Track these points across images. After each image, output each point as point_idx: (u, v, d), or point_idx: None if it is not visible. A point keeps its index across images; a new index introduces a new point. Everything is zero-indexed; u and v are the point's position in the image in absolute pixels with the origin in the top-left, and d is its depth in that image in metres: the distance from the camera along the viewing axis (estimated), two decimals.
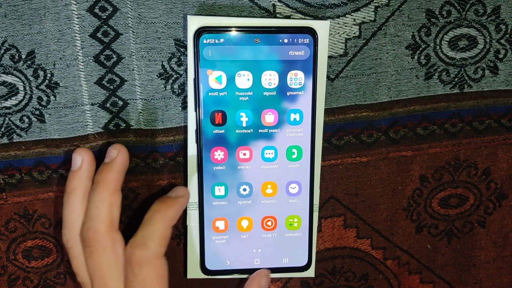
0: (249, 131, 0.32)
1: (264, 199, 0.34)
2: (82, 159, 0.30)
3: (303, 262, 0.35)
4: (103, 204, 0.29)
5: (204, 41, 0.31)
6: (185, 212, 0.34)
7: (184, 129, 0.34)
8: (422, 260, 0.39)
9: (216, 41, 0.31)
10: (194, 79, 0.31)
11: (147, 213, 0.30)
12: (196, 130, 0.32)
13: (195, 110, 0.32)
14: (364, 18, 0.33)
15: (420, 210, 0.38)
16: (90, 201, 0.29)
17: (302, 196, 0.34)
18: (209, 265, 0.34)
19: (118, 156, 0.30)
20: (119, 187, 0.30)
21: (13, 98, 0.32)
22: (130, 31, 0.32)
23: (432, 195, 0.38)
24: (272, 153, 0.33)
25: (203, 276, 0.34)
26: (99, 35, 0.32)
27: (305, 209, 0.34)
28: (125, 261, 0.29)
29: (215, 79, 0.31)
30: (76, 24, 0.31)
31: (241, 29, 0.31)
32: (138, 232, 0.29)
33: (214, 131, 0.32)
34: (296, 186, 0.34)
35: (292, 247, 0.35)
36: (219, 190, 0.33)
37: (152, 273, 0.28)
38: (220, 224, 0.34)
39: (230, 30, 0.31)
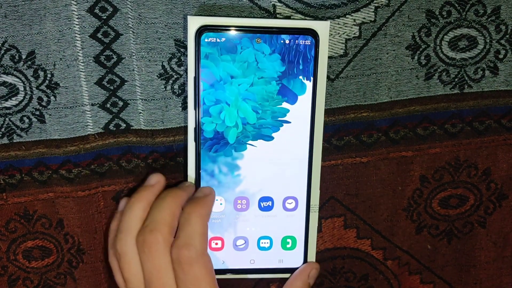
0: (248, 131, 0.32)
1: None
2: (158, 181, 0.31)
3: (298, 262, 0.35)
4: (169, 210, 0.30)
5: (205, 40, 0.31)
6: None
7: (184, 129, 0.34)
8: (422, 261, 0.39)
9: (217, 40, 0.31)
10: (194, 77, 0.31)
11: (182, 216, 0.30)
12: (195, 129, 0.32)
13: (195, 109, 0.32)
14: (364, 18, 0.33)
15: (420, 210, 0.38)
16: (155, 206, 0.30)
17: (300, 197, 0.34)
18: None
19: (190, 186, 0.32)
20: (182, 207, 0.31)
21: (13, 98, 0.32)
22: (130, 32, 0.32)
23: (432, 195, 0.38)
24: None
25: None
26: (99, 35, 0.32)
27: (302, 209, 0.34)
28: (173, 263, 0.29)
29: (215, 77, 0.31)
30: (77, 24, 0.31)
31: (243, 28, 0.31)
32: (179, 234, 0.30)
33: (213, 129, 0.32)
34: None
35: (288, 248, 0.35)
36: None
37: (202, 270, 0.29)
38: (216, 222, 0.34)
39: (231, 29, 0.31)
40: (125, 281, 0.31)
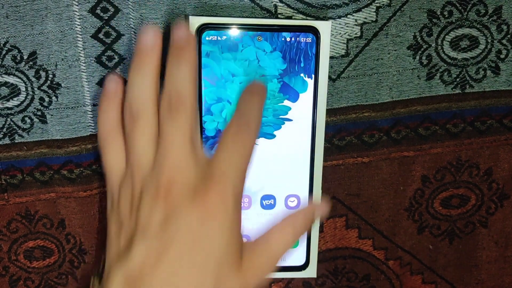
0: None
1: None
2: (154, 39, 0.26)
3: (301, 261, 0.35)
4: (190, 74, 0.25)
5: (206, 38, 0.31)
6: None
7: None
8: (424, 261, 0.39)
9: (218, 38, 0.31)
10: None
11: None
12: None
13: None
14: (365, 18, 0.33)
15: (422, 210, 0.38)
16: (175, 64, 0.26)
17: (302, 196, 0.34)
18: None
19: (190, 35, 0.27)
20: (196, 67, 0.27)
21: (15, 98, 0.32)
22: (132, 32, 0.32)
23: (434, 195, 0.38)
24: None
25: None
26: (100, 36, 0.32)
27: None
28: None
29: (216, 76, 0.31)
30: (78, 25, 0.31)
31: (244, 26, 0.31)
32: (236, 112, 0.26)
33: (215, 127, 0.32)
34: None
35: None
36: None
37: (249, 148, 0.25)
38: None
39: (232, 27, 0.31)
40: (131, 153, 0.26)
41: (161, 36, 0.26)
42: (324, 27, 0.32)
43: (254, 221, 0.34)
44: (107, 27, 0.31)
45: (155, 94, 0.26)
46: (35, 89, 0.32)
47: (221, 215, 0.24)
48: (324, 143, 0.34)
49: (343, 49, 0.33)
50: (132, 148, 0.26)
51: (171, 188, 0.24)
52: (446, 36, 0.34)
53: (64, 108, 0.33)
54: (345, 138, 0.35)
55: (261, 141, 0.33)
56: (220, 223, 0.24)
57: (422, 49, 0.34)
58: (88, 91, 0.33)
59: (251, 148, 0.25)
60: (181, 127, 0.25)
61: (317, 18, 0.32)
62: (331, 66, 0.34)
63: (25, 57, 0.31)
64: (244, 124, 0.25)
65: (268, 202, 0.34)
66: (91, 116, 0.33)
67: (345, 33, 0.33)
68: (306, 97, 0.32)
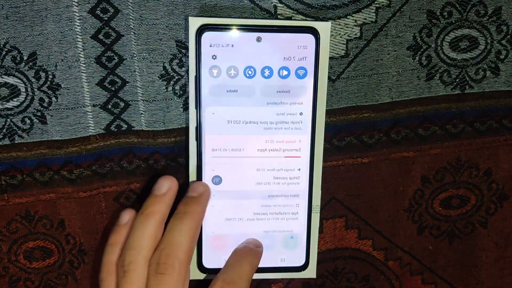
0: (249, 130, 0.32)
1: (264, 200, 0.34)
2: (169, 187, 0.30)
3: (300, 262, 0.35)
4: (188, 234, 0.28)
5: (206, 38, 0.31)
6: None
7: (186, 130, 0.34)
8: (423, 261, 0.39)
9: (218, 38, 0.31)
10: (195, 77, 0.31)
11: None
12: (197, 128, 0.32)
13: (196, 108, 0.32)
14: (365, 19, 0.33)
15: (421, 211, 0.38)
16: (174, 228, 0.28)
17: (301, 197, 0.34)
18: (206, 263, 0.34)
19: (205, 192, 0.31)
20: (201, 222, 0.30)
21: (15, 99, 0.32)
22: (132, 33, 0.32)
23: (434, 196, 0.38)
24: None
25: (200, 274, 0.34)
26: (100, 36, 0.32)
27: (304, 209, 0.34)
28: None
29: (216, 77, 0.31)
30: (78, 25, 0.31)
31: (243, 27, 0.31)
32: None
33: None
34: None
35: (290, 247, 0.35)
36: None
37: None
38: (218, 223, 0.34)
39: (232, 28, 0.31)
40: None
41: (177, 188, 0.30)
42: (323, 28, 0.32)
43: (254, 221, 0.34)
44: (107, 28, 0.31)
45: (152, 247, 0.28)
46: (35, 89, 0.32)
47: None
48: (324, 144, 0.34)
49: (342, 49, 0.33)
50: None
51: None
52: (446, 37, 0.34)
53: (64, 108, 0.33)
54: (345, 138, 0.35)
55: (262, 142, 0.33)
56: None
57: (422, 50, 0.34)
58: (88, 91, 0.33)
59: None
60: None
61: (317, 18, 0.32)
62: (330, 67, 0.34)
63: (25, 58, 0.32)
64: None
65: (267, 202, 0.34)
66: (91, 116, 0.33)
67: (344, 34, 0.33)
68: (305, 98, 0.32)
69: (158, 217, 0.29)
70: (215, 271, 0.34)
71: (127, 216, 0.31)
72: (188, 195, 0.31)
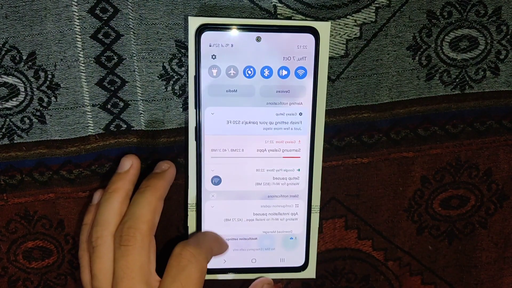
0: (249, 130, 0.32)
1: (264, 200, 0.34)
2: (131, 164, 0.31)
3: (300, 262, 0.35)
4: (149, 206, 0.29)
5: (205, 38, 0.31)
6: (186, 213, 0.34)
7: (185, 130, 0.34)
8: (423, 261, 0.39)
9: (217, 38, 0.31)
10: (195, 77, 0.31)
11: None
12: (196, 128, 0.32)
13: (195, 108, 0.32)
14: (365, 19, 0.33)
15: (421, 211, 0.38)
16: (136, 202, 0.30)
17: (301, 197, 0.34)
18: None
19: (169, 169, 0.32)
20: (164, 196, 0.31)
21: (14, 99, 0.32)
22: (131, 32, 0.32)
23: (433, 196, 0.38)
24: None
25: None
26: (100, 36, 0.32)
27: (303, 209, 0.34)
28: (173, 256, 0.29)
29: (215, 77, 0.31)
30: (77, 25, 0.31)
31: (243, 26, 0.31)
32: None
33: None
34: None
35: (289, 247, 0.35)
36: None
37: (197, 272, 0.29)
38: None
39: (231, 28, 0.31)
40: (92, 277, 0.29)
41: (139, 165, 0.31)
42: (323, 28, 0.32)
43: (254, 221, 0.34)
44: (106, 28, 0.31)
45: (117, 222, 0.29)
46: (34, 89, 0.32)
47: None
48: (324, 144, 0.34)
49: (342, 49, 0.33)
50: (93, 272, 0.29)
51: None
52: (446, 37, 0.34)
53: (63, 108, 0.33)
54: (345, 138, 0.35)
55: (261, 142, 0.33)
56: None
57: (422, 50, 0.34)
58: (87, 91, 0.33)
59: (202, 279, 0.29)
60: (130, 261, 0.28)
61: (317, 18, 0.32)
62: (330, 67, 0.34)
63: (24, 58, 0.31)
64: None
65: (266, 202, 0.34)
66: (90, 116, 0.33)
67: (344, 34, 0.33)
68: (305, 98, 0.32)
69: (122, 194, 0.30)
70: (215, 271, 0.34)
71: (97, 196, 0.32)
72: (152, 171, 0.32)
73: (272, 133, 0.32)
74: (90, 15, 0.31)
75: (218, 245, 0.33)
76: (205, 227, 0.34)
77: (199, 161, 0.32)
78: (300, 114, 0.32)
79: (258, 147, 0.33)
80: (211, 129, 0.32)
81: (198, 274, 0.28)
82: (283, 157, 0.33)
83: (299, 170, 0.33)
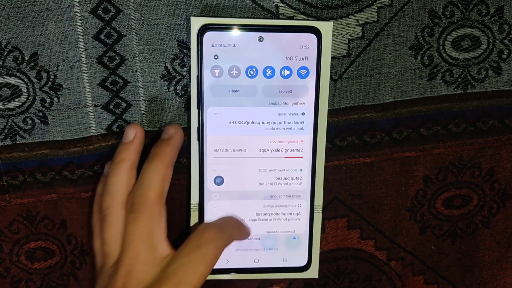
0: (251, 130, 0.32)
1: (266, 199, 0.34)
2: (135, 133, 0.31)
3: (302, 262, 0.35)
4: (157, 174, 0.30)
5: (208, 38, 0.31)
6: (188, 214, 0.34)
7: (188, 130, 0.34)
8: (426, 261, 0.39)
9: (220, 38, 0.31)
10: (197, 77, 0.31)
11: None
12: (198, 128, 0.32)
13: (198, 108, 0.32)
14: (367, 18, 0.33)
15: (424, 211, 0.38)
16: (145, 170, 0.30)
17: (303, 197, 0.34)
18: None
19: (176, 135, 0.31)
20: (173, 163, 0.31)
21: (17, 100, 0.32)
22: (133, 33, 0.32)
23: (436, 195, 0.38)
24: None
25: None
26: (102, 36, 0.32)
27: (306, 209, 0.34)
28: (194, 233, 0.29)
29: (218, 77, 0.31)
30: (79, 25, 0.31)
31: (245, 26, 0.31)
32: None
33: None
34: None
35: (292, 247, 0.35)
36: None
37: (213, 253, 0.29)
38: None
39: (233, 28, 0.31)
40: (103, 243, 0.30)
41: (143, 133, 0.31)
42: (325, 28, 0.32)
43: (257, 221, 0.34)
44: (109, 28, 0.31)
45: (125, 191, 0.30)
46: (37, 90, 0.32)
47: None
48: (326, 144, 0.34)
49: (344, 49, 0.33)
50: (103, 239, 0.30)
51: (127, 282, 0.28)
52: (448, 36, 0.34)
53: (65, 109, 0.33)
54: (347, 138, 0.35)
55: (263, 142, 0.33)
56: None
57: (424, 49, 0.34)
58: (89, 92, 0.33)
59: (215, 262, 0.29)
60: (139, 227, 0.29)
61: (319, 18, 0.32)
62: (332, 67, 0.34)
63: (27, 58, 0.31)
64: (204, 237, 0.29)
65: (269, 202, 0.34)
66: (93, 117, 0.33)
67: (346, 34, 0.33)
68: (307, 98, 0.32)
69: (128, 163, 0.30)
70: (218, 271, 0.34)
71: (108, 167, 0.33)
72: (160, 138, 0.32)
73: (275, 133, 0.32)
74: (92, 15, 0.31)
75: (239, 231, 0.33)
76: None
77: (201, 161, 0.32)
78: (303, 114, 0.32)
79: (260, 147, 0.33)
80: (214, 129, 0.32)
81: (213, 256, 0.29)
82: (286, 157, 0.33)
83: (301, 170, 0.33)
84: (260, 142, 0.33)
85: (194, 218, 0.34)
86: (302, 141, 0.33)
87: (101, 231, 0.30)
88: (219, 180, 0.33)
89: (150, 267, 0.29)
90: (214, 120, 0.32)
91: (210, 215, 0.33)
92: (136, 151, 0.31)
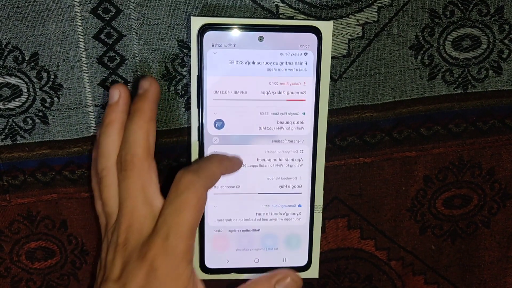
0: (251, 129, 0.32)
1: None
2: (119, 94, 0.31)
3: (303, 262, 0.35)
4: (140, 131, 0.30)
5: (208, 38, 0.31)
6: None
7: (188, 130, 0.34)
8: (426, 261, 0.39)
9: (220, 38, 0.31)
10: (197, 77, 0.31)
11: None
12: (199, 128, 0.32)
13: (198, 108, 0.32)
14: (367, 18, 0.33)
15: (424, 210, 0.38)
16: (127, 129, 0.30)
17: (304, 190, 0.34)
18: (209, 263, 0.34)
19: (151, 87, 0.31)
20: (154, 116, 0.31)
21: (17, 99, 0.32)
22: (133, 33, 0.32)
23: (436, 195, 0.38)
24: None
25: (202, 275, 0.34)
26: (102, 36, 0.32)
27: (306, 209, 0.34)
28: (174, 182, 0.30)
29: (218, 77, 0.31)
30: (80, 25, 0.31)
31: (245, 26, 0.31)
32: (193, 163, 0.31)
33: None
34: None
35: (292, 247, 0.35)
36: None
37: (194, 198, 0.29)
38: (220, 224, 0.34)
39: (234, 27, 0.31)
40: (103, 204, 0.31)
41: (128, 92, 0.31)
42: (325, 27, 0.32)
43: (256, 221, 0.34)
44: (109, 28, 0.31)
45: (118, 152, 0.30)
46: (37, 90, 0.32)
47: (165, 270, 0.28)
48: (326, 143, 0.34)
49: (344, 49, 0.33)
50: (103, 199, 0.31)
51: (128, 237, 0.29)
52: (448, 36, 0.34)
53: (65, 109, 0.33)
54: (347, 138, 0.35)
55: (265, 84, 0.32)
56: (164, 280, 0.28)
57: (424, 49, 0.34)
58: (89, 92, 0.33)
59: (200, 206, 0.29)
60: (131, 184, 0.29)
61: (319, 18, 0.32)
62: (332, 67, 0.34)
63: (27, 58, 0.31)
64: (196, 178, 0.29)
65: (270, 196, 0.34)
66: (93, 117, 0.33)
67: (346, 33, 0.33)
68: (308, 98, 0.32)
69: (117, 125, 0.31)
70: (218, 271, 0.34)
71: (99, 131, 0.32)
72: (137, 94, 0.31)
73: (277, 74, 0.31)
74: (92, 15, 0.31)
75: (223, 166, 0.32)
76: (207, 219, 0.33)
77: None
78: (303, 114, 0.32)
79: (262, 89, 0.32)
80: (214, 70, 0.31)
81: (195, 201, 0.29)
82: (288, 99, 0.32)
83: (304, 113, 0.32)
84: (262, 83, 0.32)
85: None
86: (304, 83, 0.32)
87: (100, 193, 0.31)
88: (219, 124, 0.32)
89: (147, 220, 0.29)
90: (214, 60, 0.31)
91: (210, 209, 0.33)
92: (123, 111, 0.31)
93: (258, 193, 0.33)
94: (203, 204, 0.29)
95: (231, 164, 0.33)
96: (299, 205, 0.34)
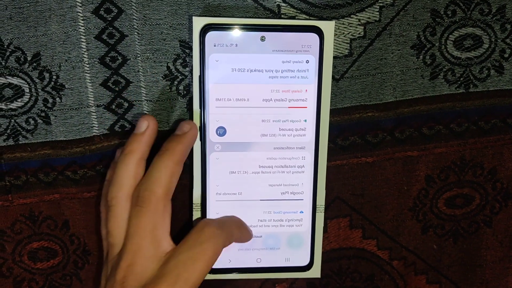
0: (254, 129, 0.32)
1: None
2: (147, 126, 0.31)
3: (305, 261, 0.35)
4: (165, 170, 0.29)
5: (210, 38, 0.31)
6: (191, 213, 0.34)
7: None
8: (428, 260, 0.39)
9: (222, 38, 0.31)
10: (199, 76, 0.31)
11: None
12: (201, 128, 0.32)
13: (200, 108, 0.32)
14: (369, 18, 0.33)
15: (426, 210, 0.38)
16: (154, 165, 0.30)
17: (306, 196, 0.34)
18: None
19: (190, 131, 0.31)
20: (183, 160, 0.30)
21: (19, 100, 0.32)
22: (135, 33, 0.32)
23: (438, 195, 0.38)
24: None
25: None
26: (104, 37, 0.32)
27: (308, 215, 0.34)
28: (194, 229, 0.29)
29: (220, 84, 0.31)
30: (82, 26, 0.31)
31: (247, 26, 0.31)
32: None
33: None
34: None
35: (294, 247, 0.35)
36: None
37: (212, 251, 0.29)
38: None
39: (235, 27, 0.31)
40: (107, 233, 0.30)
41: (156, 126, 0.31)
42: (327, 27, 0.32)
43: (259, 221, 0.34)
44: (111, 28, 0.31)
45: (132, 183, 0.30)
46: (39, 90, 0.32)
47: None
48: (328, 143, 0.34)
49: (346, 49, 0.33)
50: (108, 228, 0.30)
51: (127, 276, 0.28)
52: (450, 36, 0.34)
53: (68, 109, 0.33)
54: (349, 138, 0.35)
55: (267, 92, 0.32)
56: None
57: (426, 49, 0.34)
58: (91, 92, 0.33)
59: (214, 260, 0.29)
60: (143, 221, 0.29)
61: (321, 18, 0.32)
62: (334, 66, 0.34)
63: (29, 59, 0.32)
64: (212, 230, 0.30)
65: (271, 202, 0.34)
66: (95, 117, 0.33)
67: (348, 33, 0.33)
68: (309, 105, 0.32)
69: (137, 156, 0.30)
70: (220, 271, 0.34)
71: (119, 154, 0.32)
72: (174, 133, 0.32)
73: (278, 81, 0.32)
74: (94, 15, 0.31)
75: (240, 231, 0.33)
76: (210, 180, 0.33)
77: (204, 161, 0.32)
78: (304, 113, 0.32)
79: (263, 97, 0.32)
80: (216, 77, 0.31)
81: (212, 254, 0.29)
82: (289, 107, 0.32)
83: (305, 120, 0.32)
84: (263, 91, 0.32)
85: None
86: (306, 90, 0.32)
87: (106, 220, 0.31)
88: (221, 131, 0.32)
89: (151, 262, 0.29)
90: (216, 68, 0.31)
91: (213, 167, 0.33)
92: (147, 143, 0.31)
93: (260, 200, 0.34)
94: (216, 259, 0.29)
95: (246, 232, 0.33)
96: (301, 212, 0.34)
